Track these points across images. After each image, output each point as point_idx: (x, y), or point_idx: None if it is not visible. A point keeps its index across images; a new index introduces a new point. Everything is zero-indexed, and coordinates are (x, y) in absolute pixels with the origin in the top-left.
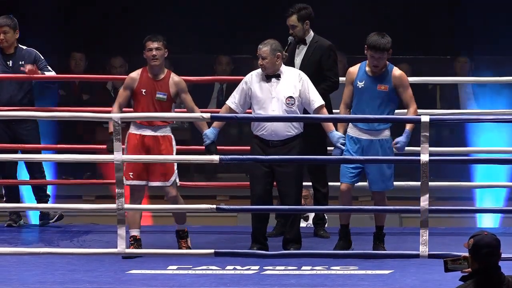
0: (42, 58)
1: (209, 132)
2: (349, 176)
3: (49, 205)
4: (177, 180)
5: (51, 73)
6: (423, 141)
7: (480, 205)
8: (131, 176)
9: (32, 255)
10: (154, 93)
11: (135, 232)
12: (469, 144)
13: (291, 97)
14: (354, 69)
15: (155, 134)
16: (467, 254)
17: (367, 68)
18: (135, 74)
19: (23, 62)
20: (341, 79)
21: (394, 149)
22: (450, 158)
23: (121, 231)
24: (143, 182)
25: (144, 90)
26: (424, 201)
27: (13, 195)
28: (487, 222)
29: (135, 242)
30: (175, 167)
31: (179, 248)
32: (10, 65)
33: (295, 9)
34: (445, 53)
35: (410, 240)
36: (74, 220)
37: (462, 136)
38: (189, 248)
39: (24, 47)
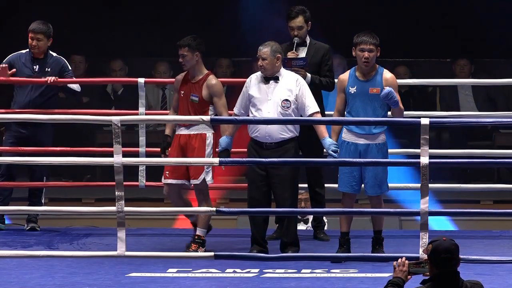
0: (70, 68)
1: (221, 140)
2: (352, 184)
3: (49, 208)
4: (208, 179)
5: (73, 86)
6: (423, 143)
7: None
8: (167, 175)
9: (32, 258)
10: (190, 95)
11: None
12: None
13: (287, 100)
14: (344, 76)
15: (188, 132)
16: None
17: (357, 73)
18: (180, 76)
19: (49, 70)
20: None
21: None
22: (450, 161)
23: (121, 234)
24: (177, 181)
25: (182, 92)
26: (424, 204)
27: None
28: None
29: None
30: (206, 166)
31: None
32: (36, 70)
33: (300, 11)
34: (444, 55)
35: (410, 243)
36: (73, 223)
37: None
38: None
39: (54, 54)
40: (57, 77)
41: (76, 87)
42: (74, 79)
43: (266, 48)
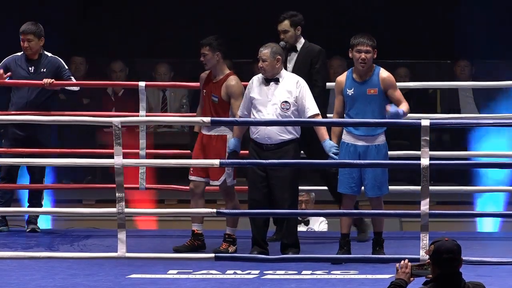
0: (66, 67)
1: (230, 143)
2: (351, 186)
3: (50, 209)
4: (229, 180)
5: (72, 87)
6: (423, 145)
7: (481, 209)
8: (191, 171)
9: (33, 259)
10: (211, 95)
11: (195, 227)
12: (470, 148)
13: (286, 102)
14: (341, 78)
15: (210, 133)
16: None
17: (354, 75)
18: (204, 74)
19: (44, 70)
20: (331, 84)
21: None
22: (450, 162)
23: (121, 235)
24: (201, 179)
25: (205, 91)
26: (425, 205)
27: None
28: (487, 226)
29: (193, 237)
30: (227, 168)
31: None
32: (32, 71)
33: (287, 15)
34: (445, 57)
35: (411, 245)
36: (74, 225)
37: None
38: (226, 252)
39: (49, 55)
40: (53, 80)
41: (74, 86)
42: (73, 80)
43: (266, 50)
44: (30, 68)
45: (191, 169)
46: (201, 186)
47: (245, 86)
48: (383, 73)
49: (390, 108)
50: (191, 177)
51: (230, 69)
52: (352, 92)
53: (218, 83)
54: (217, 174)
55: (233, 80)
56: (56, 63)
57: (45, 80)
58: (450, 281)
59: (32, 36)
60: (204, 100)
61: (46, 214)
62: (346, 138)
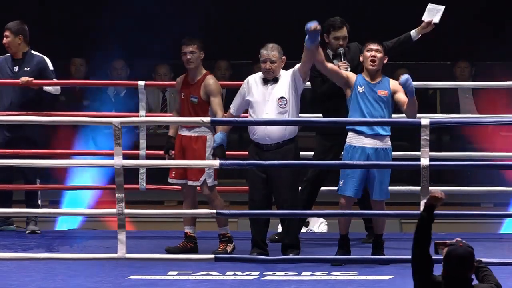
0: (51, 68)
1: (216, 136)
2: (356, 189)
3: (49, 210)
4: (209, 181)
5: (50, 88)
6: (423, 145)
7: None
8: (173, 175)
9: (33, 261)
10: (189, 96)
11: (187, 229)
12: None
13: (282, 97)
14: (352, 75)
15: (189, 134)
16: (459, 238)
17: (366, 78)
18: (180, 78)
19: (28, 69)
20: None
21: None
22: (450, 163)
23: (121, 236)
24: (183, 181)
25: (183, 94)
26: None
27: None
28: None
29: (186, 239)
30: (207, 168)
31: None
32: (16, 70)
33: (342, 21)
34: (445, 58)
35: (410, 246)
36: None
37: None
38: (225, 252)
39: (35, 53)
40: (31, 78)
41: (53, 89)
42: (55, 80)
43: (274, 51)
44: (14, 68)
45: (173, 171)
46: (192, 189)
47: (238, 86)
48: (393, 81)
49: (402, 77)
50: (172, 180)
51: (228, 70)
52: (363, 90)
53: (196, 84)
54: (196, 174)
55: (210, 79)
56: (40, 63)
57: (22, 78)
58: (459, 285)
59: (8, 32)
60: (182, 103)
61: (45, 215)
62: (354, 140)
